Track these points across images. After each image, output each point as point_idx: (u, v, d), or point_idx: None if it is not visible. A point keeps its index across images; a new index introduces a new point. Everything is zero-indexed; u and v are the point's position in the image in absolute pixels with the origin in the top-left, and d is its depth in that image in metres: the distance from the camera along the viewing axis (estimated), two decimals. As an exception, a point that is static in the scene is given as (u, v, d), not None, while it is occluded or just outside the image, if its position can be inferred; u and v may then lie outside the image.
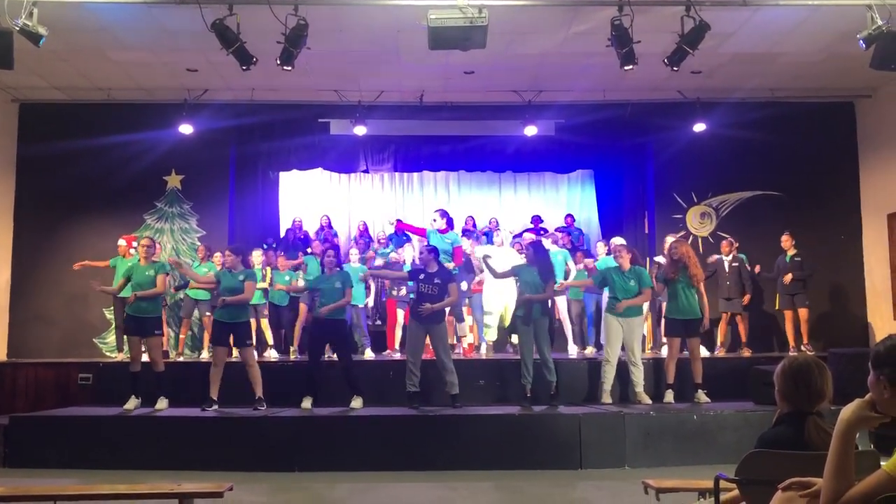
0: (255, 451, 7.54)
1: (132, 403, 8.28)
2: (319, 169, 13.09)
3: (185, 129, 10.89)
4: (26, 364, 10.23)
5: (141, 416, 8.05)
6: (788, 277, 10.23)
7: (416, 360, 8.30)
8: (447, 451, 7.54)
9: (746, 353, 10.31)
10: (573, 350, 10.41)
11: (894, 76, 9.76)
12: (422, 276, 8.41)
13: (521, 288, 8.44)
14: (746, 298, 10.47)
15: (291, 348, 10.53)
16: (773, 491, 2.58)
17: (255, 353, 8.78)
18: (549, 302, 8.74)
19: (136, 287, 8.31)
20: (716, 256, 10.64)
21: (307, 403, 8.28)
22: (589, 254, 11.34)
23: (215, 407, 8.18)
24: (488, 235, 12.12)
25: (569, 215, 13.05)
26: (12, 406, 9.63)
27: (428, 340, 8.41)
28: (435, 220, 10.25)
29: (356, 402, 8.32)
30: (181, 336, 10.71)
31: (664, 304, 8.95)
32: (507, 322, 9.96)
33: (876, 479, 2.25)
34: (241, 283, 8.25)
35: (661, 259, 10.06)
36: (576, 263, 10.78)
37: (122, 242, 10.34)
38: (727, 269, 10.40)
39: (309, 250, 11.32)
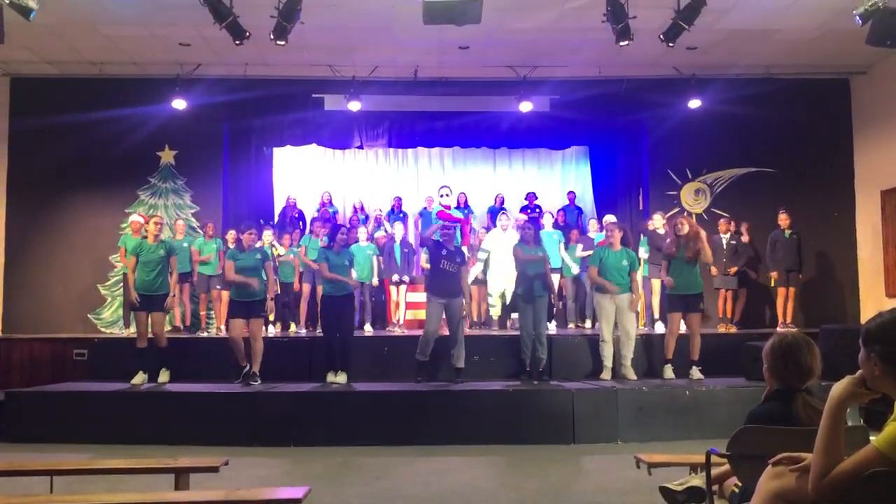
0: (251, 426, 7.58)
1: (139, 379, 8.36)
2: (314, 145, 13.02)
3: (179, 104, 10.83)
4: (21, 339, 10.24)
5: (137, 392, 8.09)
6: (733, 270, 10.43)
7: (433, 333, 8.36)
8: (442, 425, 7.60)
9: (731, 329, 10.39)
10: (551, 327, 10.44)
11: (890, 53, 9.75)
12: (444, 252, 8.43)
13: (522, 267, 8.48)
14: (733, 270, 10.47)
15: (293, 326, 10.55)
16: (763, 465, 2.61)
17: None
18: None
19: (144, 265, 8.35)
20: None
21: (343, 378, 8.35)
22: (584, 231, 11.35)
23: (253, 372, 8.26)
24: (493, 213, 12.08)
25: (571, 192, 13.01)
26: (8, 381, 9.65)
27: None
28: (448, 195, 10.35)
29: (341, 377, 8.39)
30: (202, 312, 10.70)
31: (659, 282, 8.97)
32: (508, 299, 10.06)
33: (865, 455, 2.28)
34: (259, 262, 8.38)
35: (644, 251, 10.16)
36: (571, 242, 10.81)
37: (138, 219, 10.19)
38: (724, 248, 10.43)
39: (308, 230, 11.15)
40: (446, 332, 8.51)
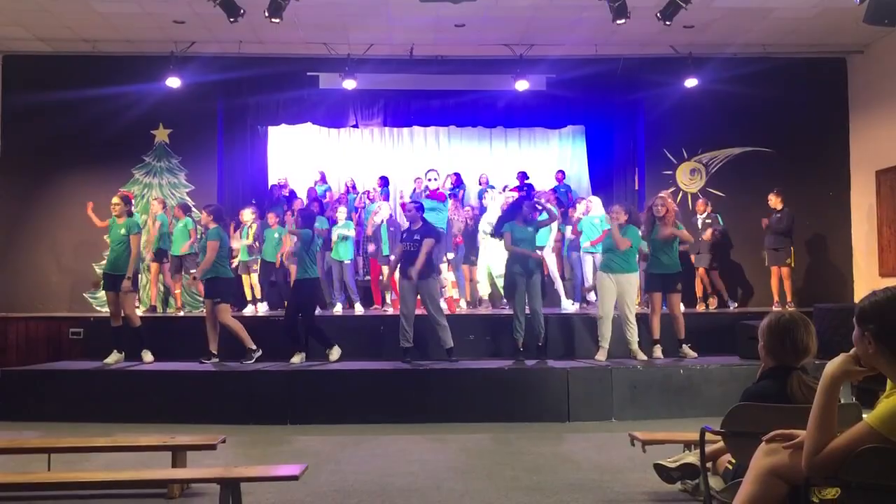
0: (248, 405, 7.62)
1: (113, 358, 8.35)
2: (308, 123, 12.96)
3: (173, 82, 10.75)
4: (17, 318, 10.24)
5: (132, 371, 8.10)
6: (708, 234, 10.51)
7: (408, 316, 8.36)
8: (438, 404, 7.64)
9: (712, 303, 10.48)
10: (567, 305, 10.47)
11: (887, 32, 9.73)
12: (404, 235, 8.51)
13: (514, 245, 8.45)
14: (708, 234, 10.52)
15: (286, 303, 10.57)
16: (757, 443, 2.64)
17: (229, 309, 8.66)
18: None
19: (111, 243, 8.47)
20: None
21: (297, 359, 8.35)
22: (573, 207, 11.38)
23: (214, 360, 8.28)
24: (480, 194, 12.07)
25: (560, 171, 13.02)
26: (4, 360, 9.67)
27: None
28: (435, 179, 10.24)
29: (333, 354, 8.41)
30: (176, 292, 10.68)
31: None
32: (497, 277, 10.11)
33: (858, 432, 2.31)
34: (206, 243, 8.40)
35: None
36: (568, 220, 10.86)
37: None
38: (700, 227, 10.49)
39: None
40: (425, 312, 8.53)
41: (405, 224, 9.38)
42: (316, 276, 8.69)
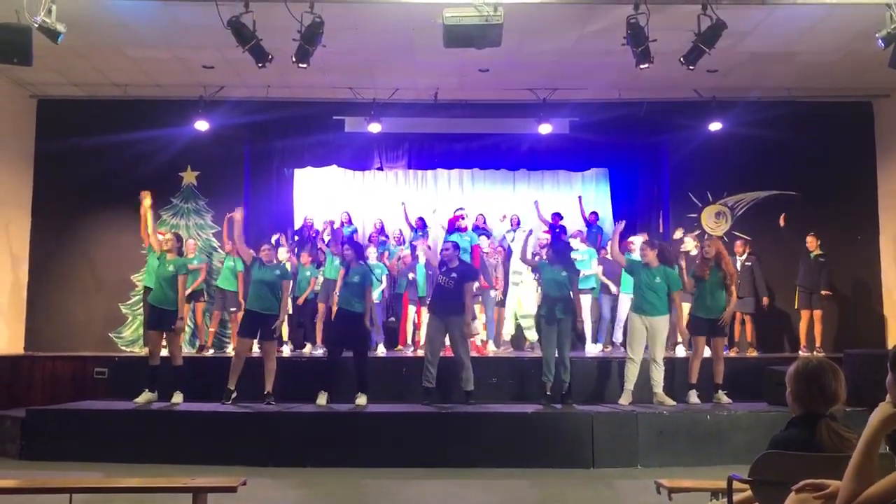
0: (269, 447, 7.59)
1: (145, 398, 8.37)
2: (334, 166, 13.11)
3: (201, 125, 10.95)
4: (43, 357, 10.32)
5: (155, 411, 8.12)
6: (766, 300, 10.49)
7: (434, 355, 8.30)
8: (460, 448, 7.56)
9: (752, 352, 10.31)
10: (591, 349, 10.38)
11: (913, 76, 9.67)
12: (443, 269, 8.48)
13: (543, 286, 8.45)
14: (766, 301, 10.46)
15: (308, 344, 10.56)
16: (786, 492, 2.57)
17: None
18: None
19: (160, 280, 8.46)
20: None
21: (322, 399, 8.30)
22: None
23: (234, 396, 8.27)
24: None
25: (593, 213, 12.99)
26: (29, 399, 9.72)
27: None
28: (464, 218, 10.26)
29: (361, 400, 8.28)
30: (211, 329, 10.70)
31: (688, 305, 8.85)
32: (522, 318, 10.09)
33: (891, 482, 2.25)
34: (277, 278, 8.38)
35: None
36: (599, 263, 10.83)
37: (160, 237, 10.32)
38: (739, 269, 10.35)
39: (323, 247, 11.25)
40: (451, 354, 8.47)
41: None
42: (362, 311, 8.49)
